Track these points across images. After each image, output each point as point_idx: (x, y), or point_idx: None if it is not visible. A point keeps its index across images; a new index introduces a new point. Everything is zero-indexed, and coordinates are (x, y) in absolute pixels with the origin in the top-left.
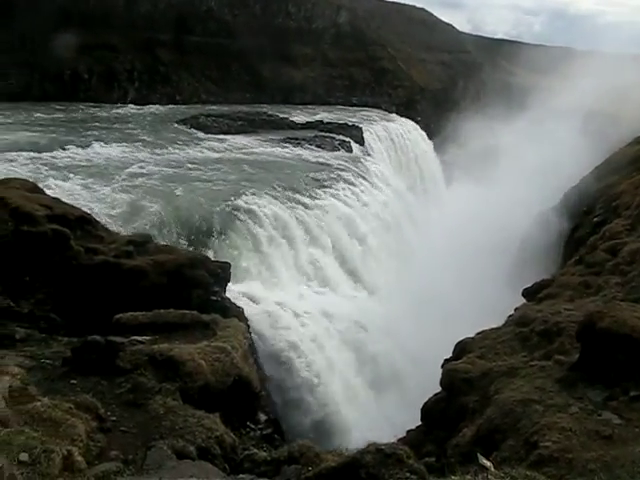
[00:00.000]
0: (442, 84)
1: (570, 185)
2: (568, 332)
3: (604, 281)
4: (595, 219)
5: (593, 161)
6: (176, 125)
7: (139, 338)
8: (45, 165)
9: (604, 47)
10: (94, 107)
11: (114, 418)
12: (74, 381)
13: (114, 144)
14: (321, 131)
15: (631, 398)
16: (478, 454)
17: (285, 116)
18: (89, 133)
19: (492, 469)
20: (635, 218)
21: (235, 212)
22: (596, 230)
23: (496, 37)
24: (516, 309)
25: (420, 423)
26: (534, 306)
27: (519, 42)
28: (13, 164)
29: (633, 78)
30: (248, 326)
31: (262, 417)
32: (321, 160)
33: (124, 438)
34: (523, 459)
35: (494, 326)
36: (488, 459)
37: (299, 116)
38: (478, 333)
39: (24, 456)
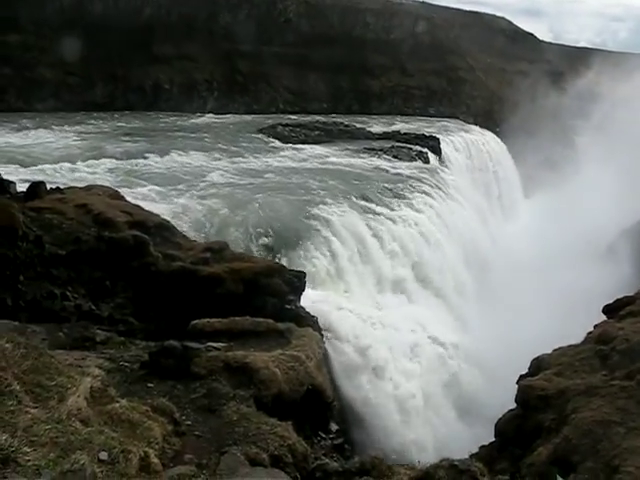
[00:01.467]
0: (522, 94)
1: None
2: None
3: None
4: None
5: None
6: (254, 134)
7: (214, 344)
8: (126, 172)
9: None
10: (174, 116)
11: (189, 422)
12: (151, 384)
13: (193, 153)
14: (398, 141)
15: None
16: (558, 476)
17: (362, 126)
18: (169, 142)
19: None
20: None
21: (312, 221)
22: None
23: (579, 45)
24: (596, 326)
25: (493, 439)
26: (615, 323)
27: (603, 50)
28: (96, 171)
29: None
30: (322, 335)
31: (333, 427)
32: (398, 171)
33: (198, 442)
34: None
35: (572, 342)
36: None
37: (376, 126)
38: (555, 349)
39: (104, 455)
